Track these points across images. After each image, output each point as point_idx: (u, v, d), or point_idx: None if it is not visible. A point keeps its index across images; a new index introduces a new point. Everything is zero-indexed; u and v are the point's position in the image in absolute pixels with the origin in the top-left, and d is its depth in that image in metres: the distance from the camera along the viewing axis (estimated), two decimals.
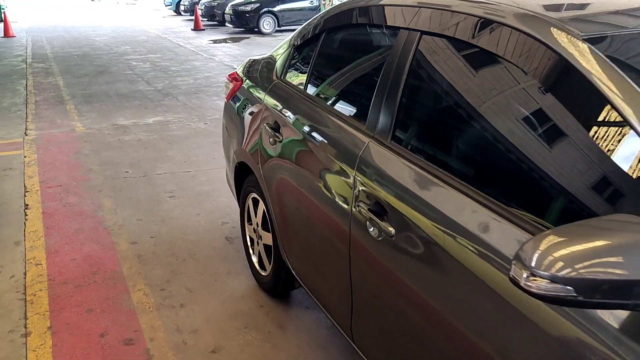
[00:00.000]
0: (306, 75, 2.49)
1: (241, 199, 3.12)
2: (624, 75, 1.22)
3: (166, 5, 25.54)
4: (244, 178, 3.05)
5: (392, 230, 1.66)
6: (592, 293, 0.96)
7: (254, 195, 2.89)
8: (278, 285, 2.84)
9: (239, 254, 3.38)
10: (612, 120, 1.20)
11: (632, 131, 1.16)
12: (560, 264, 0.96)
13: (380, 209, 1.73)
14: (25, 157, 5.24)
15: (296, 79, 2.58)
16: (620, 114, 1.18)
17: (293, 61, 2.68)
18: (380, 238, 1.71)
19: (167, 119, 6.65)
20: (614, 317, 1.08)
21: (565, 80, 1.32)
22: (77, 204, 4.15)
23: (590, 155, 1.22)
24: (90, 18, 22.84)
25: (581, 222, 1.04)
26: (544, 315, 1.18)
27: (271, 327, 2.72)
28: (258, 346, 2.58)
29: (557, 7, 1.55)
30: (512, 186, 1.39)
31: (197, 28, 17.59)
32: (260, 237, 2.89)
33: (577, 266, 0.96)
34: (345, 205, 1.91)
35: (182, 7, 22.98)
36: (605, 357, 1.06)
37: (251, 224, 3.03)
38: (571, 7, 1.59)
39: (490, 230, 1.36)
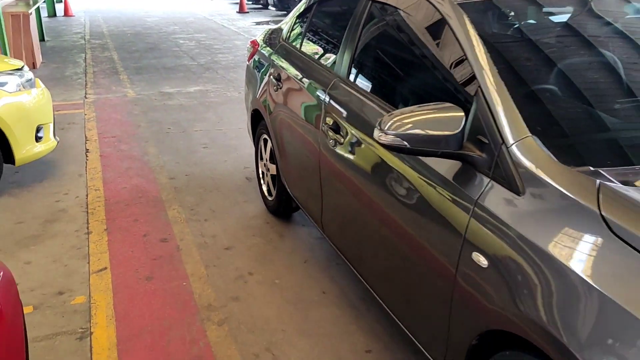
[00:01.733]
0: (301, 37, 3.23)
1: (255, 141, 3.89)
2: (473, 27, 1.91)
3: None
4: (258, 123, 3.82)
5: (341, 138, 2.39)
6: (415, 143, 1.68)
7: (265, 136, 3.65)
8: (280, 206, 3.60)
9: (255, 189, 4.16)
10: (460, 55, 1.90)
11: (467, 62, 1.85)
12: (398, 124, 1.68)
13: (336, 127, 2.46)
14: (85, 115, 6.17)
15: (295, 41, 3.33)
16: (464, 52, 1.88)
17: (294, 27, 3.42)
18: (334, 146, 2.45)
19: (206, 88, 7.49)
20: (438, 164, 1.80)
21: (441, 28, 2.02)
22: (128, 150, 5.03)
23: (447, 77, 1.93)
24: (144, 0, 24.02)
25: (420, 105, 1.75)
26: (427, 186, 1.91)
27: (273, 235, 3.49)
28: (261, 247, 3.36)
29: None
30: (406, 98, 2.10)
31: (241, 11, 18.44)
32: (268, 169, 3.66)
33: (407, 127, 1.67)
34: (316, 128, 2.65)
35: None
36: (436, 189, 1.78)
37: (262, 161, 3.80)
38: None
39: None
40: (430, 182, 1.84)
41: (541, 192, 1.50)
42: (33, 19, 9.04)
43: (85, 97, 6.96)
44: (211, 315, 2.71)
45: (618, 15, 2.16)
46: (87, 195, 4.07)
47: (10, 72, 4.09)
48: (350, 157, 2.34)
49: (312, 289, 2.93)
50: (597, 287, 1.26)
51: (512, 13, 2.11)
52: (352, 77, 2.51)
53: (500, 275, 1.51)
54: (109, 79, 8.05)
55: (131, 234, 3.51)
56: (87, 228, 3.58)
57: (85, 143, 5.22)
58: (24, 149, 4.01)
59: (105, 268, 3.12)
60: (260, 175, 3.90)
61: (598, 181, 1.43)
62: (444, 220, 1.75)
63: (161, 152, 4.98)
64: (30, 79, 4.24)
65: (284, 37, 3.50)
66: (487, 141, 1.67)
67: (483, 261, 1.57)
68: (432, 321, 1.88)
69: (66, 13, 16.64)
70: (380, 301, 2.28)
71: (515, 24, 2.08)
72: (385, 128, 1.70)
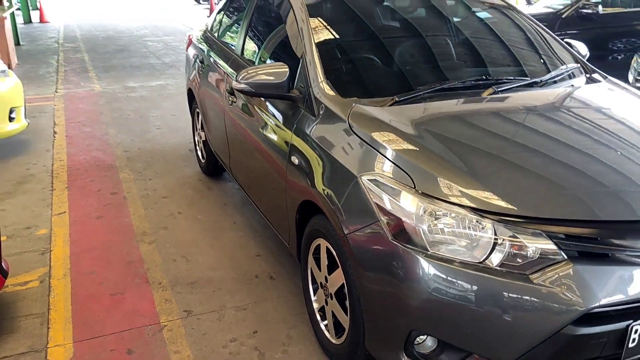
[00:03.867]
0: (218, 28, 4.11)
1: (192, 115, 4.74)
2: (306, 15, 2.79)
3: None
4: (192, 100, 4.67)
5: (235, 99, 3.26)
6: (257, 88, 2.55)
7: (198, 110, 4.50)
8: (210, 166, 4.45)
9: (195, 158, 5.00)
10: (296, 33, 2.77)
11: (300, 38, 2.73)
12: (246, 76, 2.55)
13: (232, 90, 3.32)
14: (55, 105, 6.96)
15: (214, 31, 4.20)
16: (300, 31, 2.75)
17: (215, 21, 4.29)
18: (231, 105, 3.32)
19: (167, 82, 8.31)
20: (278, 104, 2.67)
21: (290, 16, 2.89)
22: (90, 131, 5.84)
23: (289, 47, 2.81)
24: (117, 6, 24.73)
25: (262, 65, 2.62)
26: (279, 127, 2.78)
27: (202, 188, 4.34)
28: (191, 196, 4.20)
29: None
30: (264, 61, 2.98)
31: (211, 14, 19.28)
32: (201, 136, 4.51)
33: (251, 77, 2.54)
34: (221, 92, 3.51)
35: None
36: (277, 119, 2.66)
37: (197, 131, 4.64)
38: None
39: None
40: (274, 117, 2.71)
41: (326, 113, 2.38)
42: (8, 23, 9.78)
43: (56, 92, 7.74)
44: (144, 238, 3.55)
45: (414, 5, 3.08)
46: (52, 165, 4.88)
47: None
48: (239, 111, 3.20)
49: (225, 221, 3.79)
50: (347, 168, 2.13)
51: (337, 8, 3.00)
52: (240, 52, 3.38)
53: (305, 166, 2.38)
54: (78, 77, 8.83)
55: (87, 189, 4.33)
56: (52, 186, 4.40)
57: (54, 127, 6.02)
58: None
59: (65, 212, 3.94)
60: (195, 143, 4.75)
61: (353, 104, 2.32)
62: (280, 139, 2.62)
63: (119, 133, 5.80)
64: (4, 70, 5.04)
65: (208, 29, 4.37)
66: (303, 86, 2.55)
67: (296, 160, 2.45)
68: (278, 209, 2.75)
69: (41, 20, 17.31)
70: (257, 208, 3.15)
71: (336, 16, 2.97)
72: (239, 79, 2.57)
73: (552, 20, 7.08)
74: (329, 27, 2.80)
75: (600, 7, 7.02)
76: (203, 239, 3.55)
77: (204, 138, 4.41)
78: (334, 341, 2.36)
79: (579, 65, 2.87)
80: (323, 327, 2.44)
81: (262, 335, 2.62)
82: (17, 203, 4.09)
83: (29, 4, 17.42)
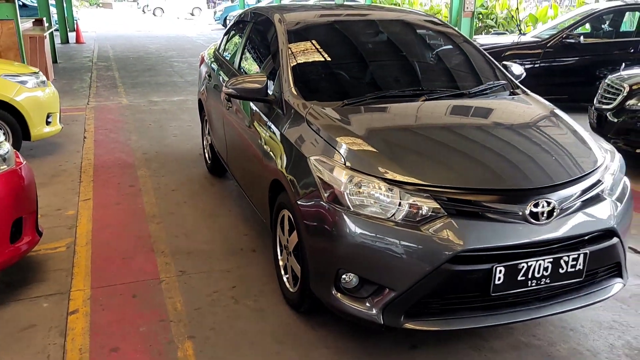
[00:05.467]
0: (224, 48, 4.86)
1: (202, 122, 5.48)
2: (286, 38, 3.50)
3: (215, 20, 28.59)
4: (202, 109, 5.40)
5: (231, 104, 3.97)
6: (241, 92, 3.25)
7: (206, 118, 5.24)
8: (215, 166, 5.16)
9: (203, 161, 5.72)
10: (277, 51, 3.48)
11: (279, 55, 3.43)
12: (234, 82, 3.26)
13: (229, 97, 4.04)
14: (86, 115, 7.81)
15: (221, 50, 4.95)
16: (279, 50, 3.46)
17: (222, 42, 5.04)
18: (228, 109, 4.03)
19: (187, 98, 9.13)
20: (260, 107, 3.37)
21: (274, 38, 3.61)
22: (115, 137, 6.63)
23: (271, 62, 3.51)
24: (150, 29, 26.08)
25: (246, 75, 3.33)
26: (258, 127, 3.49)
27: (206, 184, 5.05)
28: (196, 189, 4.91)
29: (286, 9, 3.85)
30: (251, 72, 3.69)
31: None
32: (208, 140, 5.23)
33: (237, 84, 3.25)
34: (222, 100, 4.23)
35: (227, 21, 25.89)
36: (258, 118, 3.36)
37: (205, 136, 5.37)
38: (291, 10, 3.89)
39: None
40: (255, 115, 3.41)
41: (292, 112, 3.07)
42: (47, 42, 10.79)
43: (88, 104, 8.62)
44: (153, 219, 4.25)
45: (373, 26, 3.79)
46: (81, 163, 5.65)
47: (29, 74, 5.73)
48: (234, 113, 3.91)
49: (222, 209, 4.48)
50: (302, 152, 2.80)
51: (311, 33, 3.71)
52: (238, 67, 4.11)
53: (275, 150, 3.06)
54: (108, 91, 9.72)
55: (109, 182, 5.08)
56: (80, 179, 5.15)
57: (84, 132, 6.83)
58: (37, 129, 5.61)
59: (89, 199, 4.68)
60: (203, 147, 5.48)
61: (310, 105, 3.00)
62: (258, 134, 3.31)
63: (140, 139, 6.58)
64: (44, 81, 5.88)
65: (217, 49, 5.12)
66: (277, 92, 3.25)
67: (268, 149, 3.13)
68: (258, 191, 3.42)
69: (78, 40, 18.52)
70: (246, 195, 3.83)
71: (307, 41, 3.66)
72: (228, 85, 3.28)
73: (539, 49, 7.71)
74: (301, 48, 3.50)
75: (582, 37, 7.63)
76: (202, 222, 4.23)
77: (209, 142, 5.13)
78: (291, 290, 3.00)
79: (506, 82, 3.51)
80: (285, 280, 3.08)
81: (239, 289, 3.28)
82: (50, 191, 4.84)
83: (67, 26, 18.66)
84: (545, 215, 2.39)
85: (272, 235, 3.27)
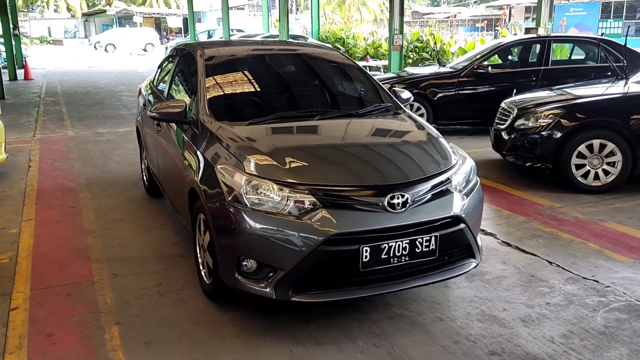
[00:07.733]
0: (157, 79, 5.41)
1: (140, 147, 5.97)
2: (204, 68, 4.09)
3: None
4: (139, 136, 5.90)
5: (159, 128, 4.50)
6: (163, 115, 3.80)
7: (143, 143, 5.73)
8: (152, 186, 5.64)
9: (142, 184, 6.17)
10: (196, 79, 4.06)
11: (197, 82, 4.01)
12: (157, 107, 3.81)
13: (158, 122, 4.57)
14: (31, 147, 8.16)
15: (155, 82, 5.50)
16: (198, 77, 4.04)
17: (156, 73, 5.60)
18: (158, 132, 4.56)
19: (132, 129, 9.48)
20: (184, 128, 3.92)
21: (194, 67, 4.19)
22: (59, 165, 7.02)
23: (191, 88, 4.09)
24: (101, 65, 26.36)
25: (169, 100, 3.89)
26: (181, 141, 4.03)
27: (144, 203, 5.52)
28: (134, 208, 5.37)
29: (209, 45, 4.44)
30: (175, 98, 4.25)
31: None
32: (145, 163, 5.71)
33: (160, 109, 3.80)
34: (154, 125, 4.75)
35: None
36: (181, 138, 3.91)
37: (142, 158, 5.86)
38: (216, 46, 4.49)
39: None
40: (178, 135, 3.95)
41: (205, 131, 3.63)
42: None
43: (34, 136, 8.95)
44: (91, 234, 4.69)
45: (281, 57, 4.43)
46: (25, 188, 6.03)
47: None
48: (162, 135, 4.45)
49: (156, 223, 4.95)
50: (211, 162, 3.35)
51: (225, 65, 4.32)
52: (166, 95, 4.67)
53: (192, 163, 3.60)
54: (55, 125, 10.07)
55: (51, 204, 5.48)
56: (23, 202, 5.54)
57: (29, 162, 7.19)
58: None
59: (32, 219, 5.08)
60: (142, 170, 5.96)
61: (221, 125, 3.58)
62: (180, 151, 3.86)
63: (84, 166, 6.99)
64: None
65: (151, 80, 5.67)
66: (194, 114, 3.81)
67: (187, 163, 3.67)
68: (181, 200, 3.93)
69: (26, 77, 18.70)
70: (172, 205, 4.34)
71: (221, 72, 4.26)
72: (152, 110, 3.82)
73: (454, 78, 8.55)
74: (217, 77, 4.09)
75: (489, 68, 8.53)
76: (137, 234, 4.70)
77: (146, 165, 5.62)
78: (207, 282, 3.51)
79: (391, 104, 4.18)
80: (203, 274, 3.59)
81: (164, 286, 3.76)
82: None
83: (15, 63, 18.83)
84: (400, 205, 3.01)
85: (192, 237, 3.79)
